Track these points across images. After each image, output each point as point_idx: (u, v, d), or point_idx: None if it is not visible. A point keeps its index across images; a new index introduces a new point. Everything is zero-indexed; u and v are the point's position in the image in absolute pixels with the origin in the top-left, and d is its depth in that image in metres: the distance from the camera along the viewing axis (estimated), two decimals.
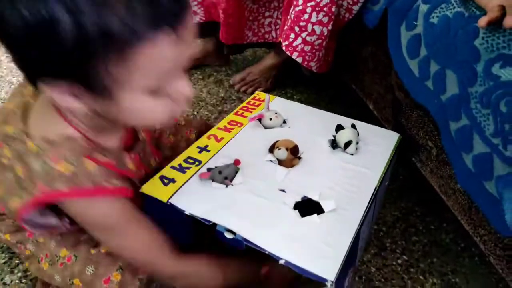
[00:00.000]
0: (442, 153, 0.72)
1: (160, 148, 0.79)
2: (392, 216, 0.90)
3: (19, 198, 0.52)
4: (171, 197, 0.61)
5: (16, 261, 0.73)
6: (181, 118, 0.89)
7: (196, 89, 1.28)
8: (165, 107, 0.50)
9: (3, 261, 0.73)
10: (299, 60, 0.95)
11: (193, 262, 0.62)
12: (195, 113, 1.18)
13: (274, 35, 1.24)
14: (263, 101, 0.86)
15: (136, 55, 0.42)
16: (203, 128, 0.87)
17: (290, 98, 1.27)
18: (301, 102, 1.24)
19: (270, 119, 0.78)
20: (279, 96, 1.24)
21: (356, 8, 0.88)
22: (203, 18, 1.23)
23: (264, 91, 1.26)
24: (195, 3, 1.23)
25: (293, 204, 0.61)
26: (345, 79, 1.08)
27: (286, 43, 0.94)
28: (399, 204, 0.93)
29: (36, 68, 0.43)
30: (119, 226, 0.56)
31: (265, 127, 0.78)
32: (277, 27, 1.23)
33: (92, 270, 0.60)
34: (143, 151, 0.65)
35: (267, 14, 1.21)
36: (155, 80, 0.46)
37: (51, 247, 0.63)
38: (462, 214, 0.70)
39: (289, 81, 1.31)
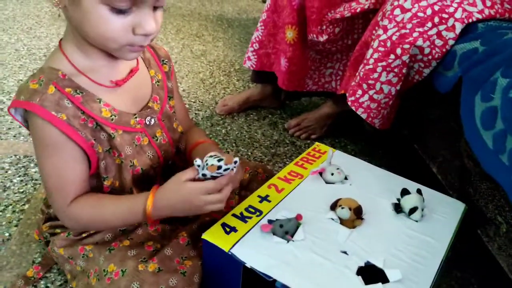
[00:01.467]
0: None
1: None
2: (448, 286, 0.86)
3: None
4: (232, 247, 0.61)
5: (71, 286, 0.74)
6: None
7: (251, 130, 1.30)
8: (119, 27, 0.55)
9: (59, 283, 0.75)
10: (364, 116, 0.95)
11: (76, 206, 0.64)
12: (249, 153, 1.19)
13: (334, 85, 1.25)
14: (323, 153, 0.86)
15: None
16: (260, 169, 0.88)
17: (344, 147, 1.26)
18: (355, 153, 1.23)
19: (332, 174, 0.77)
20: (333, 144, 1.25)
21: (427, 71, 0.88)
22: (254, 66, 1.28)
23: (318, 138, 1.26)
24: (251, 49, 1.28)
25: (355, 269, 0.59)
26: (407, 137, 1.06)
27: (353, 98, 0.95)
28: (456, 273, 0.88)
29: None
30: (41, 150, 0.62)
31: (326, 182, 0.77)
32: (338, 77, 1.24)
33: (137, 286, 0.60)
34: (149, 119, 0.69)
35: (329, 65, 1.24)
36: None
37: (100, 262, 0.66)
38: None
39: (344, 130, 1.31)
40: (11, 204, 0.89)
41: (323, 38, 1.12)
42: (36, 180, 0.96)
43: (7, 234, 0.82)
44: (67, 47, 0.62)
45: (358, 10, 1.02)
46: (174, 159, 0.75)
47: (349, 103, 0.95)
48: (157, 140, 0.70)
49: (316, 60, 1.23)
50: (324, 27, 1.11)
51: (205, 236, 0.63)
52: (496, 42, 0.73)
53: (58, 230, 0.73)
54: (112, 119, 0.64)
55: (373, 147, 1.27)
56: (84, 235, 0.71)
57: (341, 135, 1.31)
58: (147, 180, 0.70)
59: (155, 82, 0.72)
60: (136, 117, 0.67)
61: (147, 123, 0.68)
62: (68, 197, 0.63)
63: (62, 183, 0.63)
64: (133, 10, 0.55)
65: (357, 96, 0.94)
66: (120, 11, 0.54)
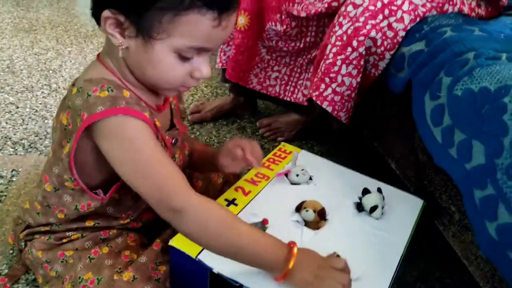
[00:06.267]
0: (465, 218, 0.73)
1: None
2: (411, 277, 0.90)
3: (68, 143, 0.62)
4: (200, 253, 0.62)
5: None
6: None
7: (220, 135, 1.32)
8: (182, 72, 0.60)
9: None
10: (329, 109, 0.97)
11: (208, 200, 0.59)
12: None
13: (277, 90, 1.27)
14: (288, 153, 0.89)
15: (185, 20, 0.55)
16: (231, 176, 0.90)
17: (311, 148, 1.30)
18: (322, 154, 1.27)
19: (297, 175, 0.80)
20: (300, 146, 1.28)
21: (382, 64, 0.92)
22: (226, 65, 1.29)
23: (285, 141, 1.28)
24: (225, 45, 1.29)
25: None
26: (366, 136, 1.11)
27: (317, 93, 0.97)
28: (419, 264, 0.93)
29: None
30: (147, 147, 0.59)
31: (291, 183, 0.80)
32: (283, 82, 1.26)
33: None
34: (175, 140, 0.72)
35: (275, 68, 1.25)
36: (187, 46, 0.57)
37: (78, 269, 0.66)
38: (485, 281, 0.70)
39: (311, 132, 1.34)
40: None
41: (282, 27, 1.13)
42: (1, 192, 0.95)
43: None
44: (112, 70, 0.63)
45: (312, 12, 1.06)
46: None
47: (314, 98, 0.97)
48: (175, 160, 0.72)
49: (265, 60, 1.24)
50: (283, 17, 1.13)
51: (173, 242, 0.64)
52: (438, 42, 0.79)
53: (37, 236, 0.73)
54: (162, 130, 0.66)
55: (339, 147, 1.31)
56: (64, 240, 0.71)
57: (307, 137, 1.34)
58: None
59: (173, 107, 0.75)
60: (167, 136, 0.69)
61: (173, 142, 0.71)
62: (184, 184, 0.58)
63: (171, 173, 0.58)
64: (194, 57, 0.59)
65: (321, 90, 0.97)
66: (185, 58, 0.59)
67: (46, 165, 0.70)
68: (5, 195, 0.95)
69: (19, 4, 2.14)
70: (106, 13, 0.56)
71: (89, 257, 0.68)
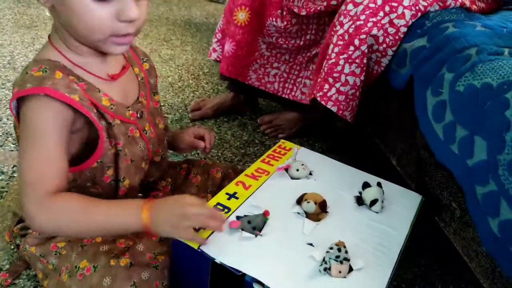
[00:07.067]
0: (465, 214, 0.73)
1: (187, 185, 0.87)
2: (411, 273, 0.90)
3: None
4: (201, 244, 0.62)
5: (42, 286, 0.74)
6: (209, 161, 0.93)
7: (221, 131, 1.32)
8: (104, 16, 0.58)
9: None
10: (334, 109, 0.97)
11: (60, 198, 0.60)
12: (219, 154, 1.21)
13: (276, 87, 1.27)
14: (288, 150, 0.89)
15: None
16: (230, 170, 0.90)
17: (312, 145, 1.30)
18: (323, 151, 1.27)
19: (297, 170, 0.80)
20: (301, 143, 1.29)
21: (384, 60, 0.92)
22: (220, 58, 1.29)
23: (286, 138, 1.29)
24: (215, 40, 1.29)
25: (321, 259, 0.62)
26: (368, 133, 1.11)
27: (321, 93, 0.97)
28: (419, 261, 0.93)
29: None
30: (40, 144, 0.60)
31: (292, 178, 0.80)
32: (282, 80, 1.26)
33: (109, 282, 0.61)
34: (140, 113, 0.72)
35: (275, 65, 1.26)
36: None
37: (72, 258, 0.66)
38: (485, 277, 0.70)
39: (312, 130, 1.34)
40: None
41: (283, 23, 1.13)
42: (2, 188, 0.95)
43: None
44: (57, 45, 0.64)
45: (312, 10, 1.06)
46: (160, 156, 0.79)
47: (318, 98, 0.97)
48: (146, 133, 0.73)
49: (264, 56, 1.24)
50: (284, 13, 1.13)
51: None
52: (439, 37, 0.79)
53: (29, 231, 0.72)
54: (111, 108, 0.66)
55: (340, 145, 1.31)
56: None
57: (309, 134, 1.34)
58: (138, 172, 0.73)
59: (140, 80, 0.75)
60: (129, 110, 0.70)
61: (139, 116, 0.72)
62: (50, 186, 0.60)
63: (49, 170, 0.60)
64: None
65: (325, 90, 0.96)
66: (103, 0, 0.57)
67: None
68: (6, 191, 0.95)
69: (19, 0, 2.14)
70: None
71: (81, 245, 0.67)
